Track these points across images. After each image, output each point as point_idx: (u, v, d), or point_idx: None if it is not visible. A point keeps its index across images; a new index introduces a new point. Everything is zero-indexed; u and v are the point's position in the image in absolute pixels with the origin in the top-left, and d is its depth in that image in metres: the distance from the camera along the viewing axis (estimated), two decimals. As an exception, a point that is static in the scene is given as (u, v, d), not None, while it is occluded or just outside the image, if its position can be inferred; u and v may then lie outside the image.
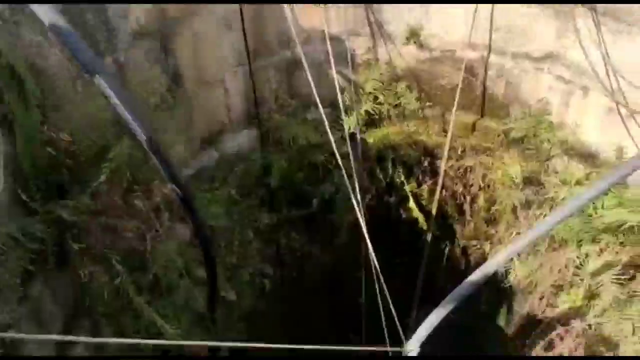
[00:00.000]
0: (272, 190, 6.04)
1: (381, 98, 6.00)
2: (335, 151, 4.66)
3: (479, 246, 6.70)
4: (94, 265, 4.30)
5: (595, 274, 5.32)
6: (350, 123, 5.77)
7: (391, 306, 4.12)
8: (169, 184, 3.88)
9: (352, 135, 5.87)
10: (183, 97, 4.91)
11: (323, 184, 6.14)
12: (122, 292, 4.51)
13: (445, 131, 6.00)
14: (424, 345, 4.07)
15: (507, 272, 6.21)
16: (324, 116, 4.50)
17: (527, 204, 5.81)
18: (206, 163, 5.44)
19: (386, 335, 4.48)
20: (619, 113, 5.00)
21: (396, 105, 6.08)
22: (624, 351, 5.00)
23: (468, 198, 6.28)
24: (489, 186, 6.04)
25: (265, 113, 5.81)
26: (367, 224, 5.07)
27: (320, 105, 4.43)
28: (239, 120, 5.66)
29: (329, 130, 4.58)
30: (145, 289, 4.86)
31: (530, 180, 5.71)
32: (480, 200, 6.16)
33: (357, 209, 4.42)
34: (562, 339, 5.95)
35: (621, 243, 5.19)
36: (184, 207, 4.15)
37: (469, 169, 6.05)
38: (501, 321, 7.44)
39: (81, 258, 4.20)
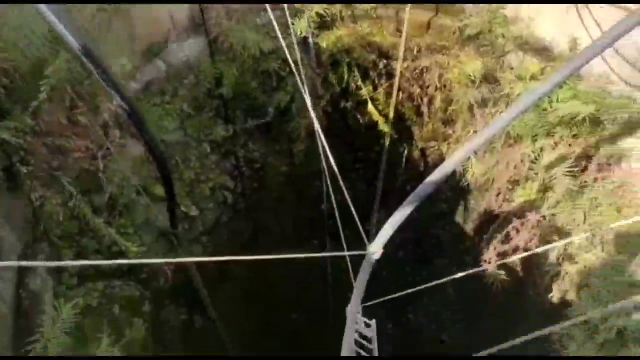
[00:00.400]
0: (226, 101, 5.86)
1: (331, -2, 5.75)
2: (288, 57, 4.48)
3: (436, 147, 6.75)
4: (45, 188, 4.17)
5: (549, 167, 5.45)
6: (301, 27, 5.54)
7: (353, 211, 4.14)
8: (115, 98, 3.69)
9: (305, 40, 5.67)
10: (121, 6, 4.59)
11: (278, 93, 5.98)
12: (78, 214, 4.42)
13: (399, 31, 5.84)
14: (386, 247, 4.14)
15: (464, 171, 6.30)
16: (274, 20, 4.28)
17: (483, 102, 5.81)
18: (154, 75, 5.19)
19: (343, 240, 4.51)
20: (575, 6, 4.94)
21: (347, 5, 5.84)
22: (576, 235, 5.23)
23: (425, 99, 6.23)
24: (445, 86, 5.98)
25: (212, 19, 5.51)
26: (324, 130, 5.00)
27: (269, 9, 4.20)
28: (185, 27, 5.37)
29: (279, 35, 4.38)
30: (102, 210, 4.77)
31: (486, 78, 5.68)
32: (437, 101, 6.13)
33: (312, 115, 4.32)
34: (518, 231, 6.18)
35: (574, 135, 5.28)
36: (132, 122, 3.98)
37: (424, 70, 5.96)
38: (460, 218, 7.67)
39: (30, 181, 4.05)
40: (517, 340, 4.95)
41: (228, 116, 6.03)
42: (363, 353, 5.04)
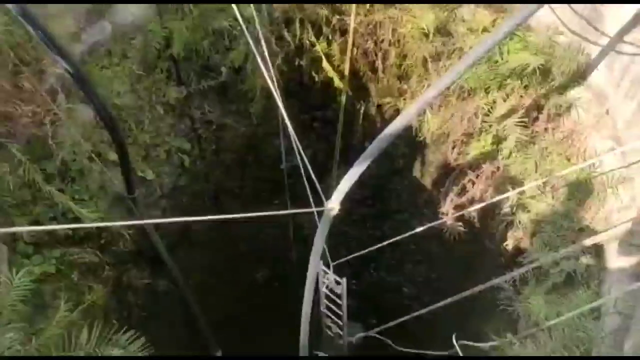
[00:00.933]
0: (177, 61, 5.73)
1: (281, -49, 5.63)
2: (238, 15, 4.39)
3: (393, 103, 6.76)
4: (-8, 155, 4.05)
5: (502, 119, 5.56)
6: (252, -17, 5.41)
7: (309, 168, 4.15)
8: (60, 62, 3.57)
9: (256, -4, 5.54)
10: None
11: (231, 52, 5.87)
12: (29, 182, 4.33)
13: (352, -15, 5.76)
14: (347, 204, 4.19)
15: (420, 126, 6.36)
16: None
17: (437, 56, 5.84)
18: (99, 37, 5.02)
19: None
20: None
21: (299, -41, 5.74)
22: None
23: (379, 54, 6.21)
24: (399, 41, 5.97)
25: (159, -24, 5.34)
26: (280, 89, 4.97)
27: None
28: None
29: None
30: (54, 177, 4.68)
31: (439, 31, 5.69)
32: (392, 56, 6.12)
33: (266, 75, 4.27)
34: (473, 183, 6.34)
35: (525, 87, 5.39)
36: (79, 86, 3.88)
37: (378, 25, 5.92)
38: (418, 173, 7.79)
39: (-25, 149, 3.93)
40: (476, 289, 5.16)
41: (181, 77, 5.91)
42: (333, 307, 5.17)
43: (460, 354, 3.46)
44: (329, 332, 5.89)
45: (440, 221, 6.00)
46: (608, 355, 3.91)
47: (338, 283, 4.71)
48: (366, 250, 5.15)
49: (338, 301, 5.02)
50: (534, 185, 5.26)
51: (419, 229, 5.21)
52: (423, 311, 5.38)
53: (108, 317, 4.98)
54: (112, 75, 5.26)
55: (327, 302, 5.21)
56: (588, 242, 4.65)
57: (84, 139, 4.84)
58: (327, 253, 4.51)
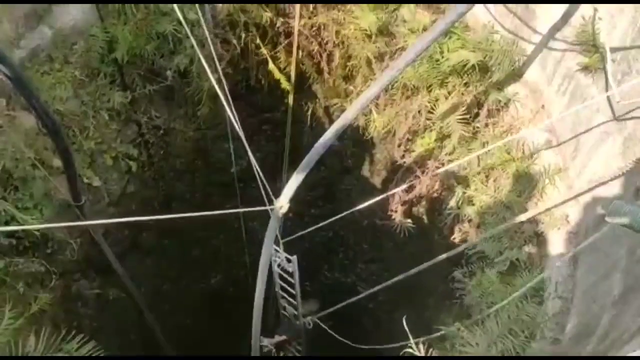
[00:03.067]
0: (121, 66, 5.66)
1: (223, -46, 5.65)
2: (181, 18, 4.39)
3: (340, 104, 6.88)
4: None
5: (444, 116, 5.73)
6: (195, -14, 5.41)
7: (257, 170, 4.20)
8: (-4, 67, 3.49)
9: (200, 0, 5.55)
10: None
11: (176, 56, 5.85)
12: (-32, 191, 4.20)
13: (294, -12, 5.84)
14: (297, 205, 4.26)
15: (367, 125, 6.49)
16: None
17: (381, 56, 5.97)
18: (39, 42, 4.92)
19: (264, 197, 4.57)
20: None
21: (241, -38, 5.78)
22: (471, 178, 5.57)
23: (324, 56, 6.31)
24: (343, 42, 6.08)
25: (98, -19, 5.27)
26: (226, 93, 4.98)
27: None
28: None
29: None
30: (-4, 185, 4.56)
31: (381, 32, 5.82)
32: (336, 57, 6.23)
33: (211, 79, 4.29)
34: (420, 180, 6.49)
35: (465, 84, 5.57)
36: (19, 91, 3.80)
37: (322, 27, 6.02)
38: (367, 172, 7.92)
39: None
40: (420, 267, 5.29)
41: (125, 82, 5.83)
42: (287, 287, 5.24)
43: (411, 338, 3.56)
44: (285, 313, 5.96)
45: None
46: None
47: (289, 261, 4.78)
48: (319, 225, 5.19)
49: (291, 280, 5.09)
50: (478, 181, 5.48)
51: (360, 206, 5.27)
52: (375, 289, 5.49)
53: (57, 328, 4.86)
54: (54, 81, 5.15)
55: (281, 282, 5.29)
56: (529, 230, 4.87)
57: (27, 146, 4.73)
58: (279, 234, 4.57)
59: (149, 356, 6.50)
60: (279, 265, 4.96)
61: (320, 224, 5.10)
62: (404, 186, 6.30)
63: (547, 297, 4.52)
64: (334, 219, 5.08)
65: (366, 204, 4.99)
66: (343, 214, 5.04)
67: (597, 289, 4.04)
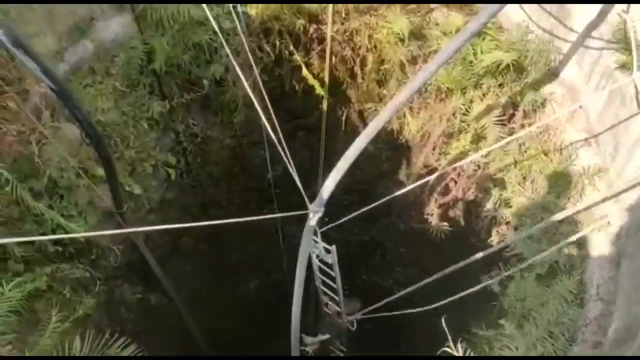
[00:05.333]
0: (160, 76, 5.82)
1: (257, -35, 5.76)
2: (216, 27, 4.51)
3: (374, 108, 6.90)
4: (-22, 175, 4.10)
5: (479, 118, 5.70)
6: (229, -5, 5.53)
7: (294, 174, 4.25)
8: (42, 80, 3.65)
9: (234, 10, 5.66)
10: (39, -18, 4.48)
11: (212, 64, 5.98)
12: (17, 199, 4.38)
13: (327, -5, 5.90)
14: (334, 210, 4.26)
15: (401, 128, 6.49)
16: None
17: (414, 59, 5.98)
18: (82, 55, 5.09)
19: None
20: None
21: (274, -28, 5.88)
22: (508, 180, 5.50)
23: (357, 61, 6.34)
24: (375, 46, 6.10)
25: (137, -5, 5.44)
26: (261, 99, 5.06)
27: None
28: (110, 4, 5.27)
29: (205, 7, 4.39)
30: (42, 194, 4.73)
31: (414, 35, 5.83)
32: (369, 62, 6.25)
33: (246, 87, 4.38)
34: (455, 182, 6.46)
35: (500, 85, 5.53)
36: (63, 103, 3.96)
37: (354, 32, 6.06)
38: (402, 175, 7.89)
39: (-38, 170, 3.99)
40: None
41: (164, 91, 6.00)
42: (327, 280, 5.18)
43: (450, 340, 3.55)
44: (327, 310, 5.90)
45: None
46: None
47: (328, 252, 4.67)
48: (356, 214, 5.14)
49: (331, 272, 5.04)
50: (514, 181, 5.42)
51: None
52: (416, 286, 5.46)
53: (100, 331, 5.01)
54: (96, 93, 5.33)
55: (321, 276, 5.22)
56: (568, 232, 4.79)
57: (71, 156, 4.90)
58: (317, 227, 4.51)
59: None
60: (317, 257, 4.82)
61: (358, 212, 4.98)
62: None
63: (588, 299, 4.44)
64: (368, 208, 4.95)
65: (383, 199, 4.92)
66: (376, 204, 4.91)
67: (639, 291, 3.95)
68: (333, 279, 5.13)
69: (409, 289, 5.64)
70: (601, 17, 4.39)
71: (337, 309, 5.71)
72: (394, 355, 9.00)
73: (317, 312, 6.15)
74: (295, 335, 5.00)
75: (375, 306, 5.88)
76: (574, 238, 4.65)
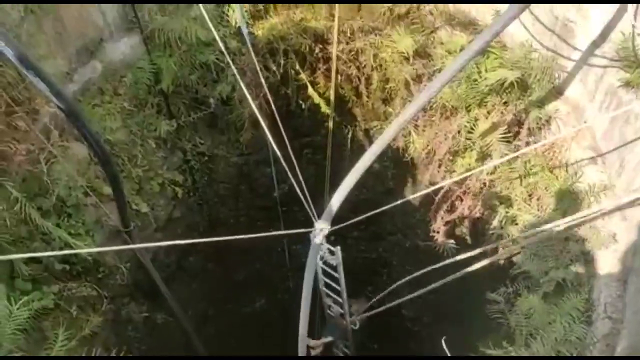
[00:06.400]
0: (167, 96, 5.90)
1: (262, -13, 5.87)
2: (223, 48, 4.58)
3: (379, 126, 6.93)
4: (-11, 195, 4.15)
5: (484, 135, 5.71)
6: (235, 17, 5.62)
7: (299, 193, 4.28)
8: (52, 100, 3.71)
9: (240, 30, 5.75)
10: (49, 7, 4.56)
11: (218, 84, 6.05)
12: (26, 218, 4.42)
13: (332, 15, 5.97)
14: (334, 222, 4.25)
15: (407, 146, 6.52)
16: (205, 13, 4.37)
17: (419, 78, 6.03)
18: (91, 76, 5.18)
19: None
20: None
21: (279, -6, 5.98)
22: (514, 198, 5.51)
23: (363, 79, 6.41)
24: (380, 65, 6.17)
25: (146, 15, 5.52)
26: (267, 118, 5.12)
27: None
28: (118, 25, 5.37)
29: (212, 28, 4.46)
30: (51, 212, 4.78)
31: (418, 54, 5.89)
32: (375, 80, 6.31)
33: (252, 105, 4.43)
34: (461, 200, 6.45)
35: (505, 103, 5.55)
36: (72, 123, 4.02)
37: (360, 51, 6.13)
38: (408, 193, 7.90)
39: (-29, 188, 4.04)
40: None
41: (171, 111, 6.08)
42: (331, 283, 5.13)
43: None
44: (331, 313, 5.87)
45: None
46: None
47: (332, 253, 4.59)
48: (363, 217, 5.07)
49: (335, 274, 4.98)
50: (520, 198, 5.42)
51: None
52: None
53: (107, 350, 5.02)
54: (104, 113, 5.40)
55: (325, 278, 5.18)
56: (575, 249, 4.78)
57: (79, 175, 4.96)
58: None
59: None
60: (321, 259, 4.70)
61: (353, 220, 4.91)
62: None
63: (595, 318, 4.41)
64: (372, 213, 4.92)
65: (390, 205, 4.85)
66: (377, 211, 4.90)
67: (648, 309, 3.93)
68: (337, 281, 5.07)
69: (411, 295, 5.55)
70: (604, 35, 4.43)
71: (341, 310, 5.66)
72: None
73: (323, 317, 6.11)
74: (303, 335, 4.88)
75: (379, 309, 5.81)
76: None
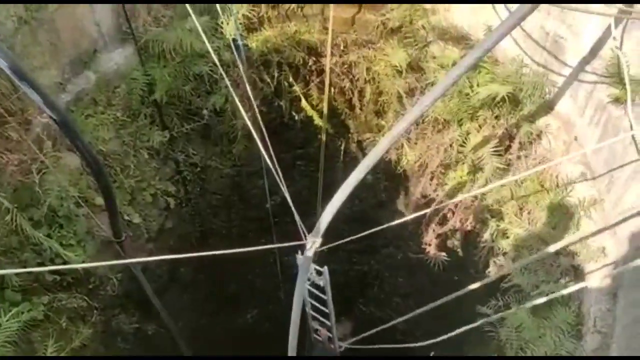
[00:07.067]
0: (160, 106, 5.90)
1: (257, -1, 5.91)
2: (216, 60, 4.60)
3: (372, 138, 6.97)
4: (-22, 204, 4.14)
5: (476, 149, 5.75)
6: (229, 29, 5.64)
7: (291, 205, 4.28)
8: (45, 111, 3.72)
9: (234, 42, 5.78)
10: (44, 18, 4.57)
11: (212, 95, 6.07)
12: (17, 229, 4.40)
13: (326, 28, 6.02)
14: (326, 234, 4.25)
15: (399, 159, 6.55)
16: (198, 25, 4.40)
17: (411, 91, 6.07)
18: (84, 86, 5.18)
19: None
20: (486, -7, 5.24)
21: (274, 6, 6.00)
22: (505, 211, 5.54)
23: (356, 92, 6.45)
24: (373, 78, 6.21)
25: (140, 27, 5.54)
26: (260, 130, 5.13)
27: (192, 14, 4.31)
28: (112, 36, 5.38)
29: (205, 40, 4.49)
30: (42, 223, 4.76)
31: (411, 68, 5.94)
32: (368, 93, 6.35)
33: (245, 118, 4.44)
34: (453, 213, 6.48)
35: (496, 117, 5.60)
36: (65, 134, 4.02)
37: (353, 64, 6.17)
38: (400, 205, 7.92)
39: (-37, 199, 4.02)
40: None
41: (164, 121, 6.08)
42: (318, 305, 5.08)
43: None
44: (317, 337, 5.82)
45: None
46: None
47: (319, 273, 4.47)
48: (356, 236, 5.05)
49: (322, 296, 4.88)
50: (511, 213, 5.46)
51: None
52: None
53: (98, 361, 5.00)
54: (97, 123, 5.40)
55: (312, 301, 5.10)
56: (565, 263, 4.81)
57: (71, 185, 4.95)
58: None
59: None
60: (309, 280, 4.55)
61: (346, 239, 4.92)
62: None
63: (585, 332, 4.43)
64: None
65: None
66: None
67: (637, 324, 3.95)
68: (325, 303, 5.00)
69: (401, 319, 5.58)
70: (593, 52, 4.49)
71: (329, 334, 5.62)
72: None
73: (309, 339, 6.09)
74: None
75: (367, 333, 5.80)
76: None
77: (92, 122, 5.38)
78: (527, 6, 3.06)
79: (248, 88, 4.52)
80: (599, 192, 4.78)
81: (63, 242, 4.84)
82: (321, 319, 5.39)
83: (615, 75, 4.25)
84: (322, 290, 4.77)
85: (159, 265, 6.97)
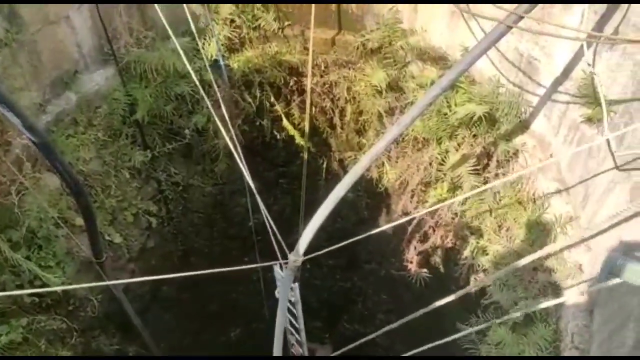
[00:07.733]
0: (142, 126, 5.92)
1: (238, 21, 5.96)
2: (196, 81, 4.64)
3: (353, 156, 7.04)
4: (-44, 227, 4.11)
5: (455, 167, 5.83)
6: (211, 50, 5.70)
7: (272, 224, 4.31)
8: (24, 134, 3.73)
9: (216, 63, 5.83)
10: (25, 39, 4.59)
11: (194, 115, 6.11)
12: (-6, 251, 4.38)
13: (307, 49, 6.10)
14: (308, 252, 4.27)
15: (380, 177, 6.62)
16: (178, 46, 4.45)
17: (391, 110, 6.16)
18: (65, 107, 5.19)
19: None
20: (462, 16, 5.34)
21: (255, 27, 6.08)
22: (484, 229, 5.61)
23: (337, 112, 6.53)
24: (354, 98, 6.30)
25: (122, 48, 5.57)
26: (243, 149, 5.16)
27: (172, 35, 4.35)
28: (93, 57, 5.40)
29: (186, 62, 4.52)
30: (20, 244, 4.74)
31: (391, 88, 6.03)
32: (348, 113, 6.43)
33: (226, 137, 4.46)
34: (434, 230, 6.55)
35: (474, 136, 5.69)
36: (44, 155, 4.03)
37: (334, 84, 6.25)
38: (382, 222, 7.98)
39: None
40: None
41: (146, 141, 6.09)
42: (292, 320, 5.09)
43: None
44: (293, 352, 5.85)
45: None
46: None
47: (290, 289, 4.52)
48: (334, 247, 5.06)
49: (294, 310, 4.89)
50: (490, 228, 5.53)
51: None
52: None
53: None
54: (78, 143, 5.39)
55: (289, 317, 5.10)
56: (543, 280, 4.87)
57: (51, 206, 4.93)
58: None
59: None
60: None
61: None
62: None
63: (563, 348, 4.49)
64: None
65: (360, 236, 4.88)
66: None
67: (612, 340, 4.01)
68: (296, 318, 5.03)
69: (379, 332, 5.59)
70: (565, 73, 4.60)
71: (300, 351, 5.64)
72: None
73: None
74: None
75: (346, 348, 5.81)
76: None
77: (73, 142, 5.37)
78: (500, 27, 3.15)
79: (224, 109, 4.52)
80: (574, 209, 4.88)
81: (42, 263, 4.81)
82: (296, 335, 5.41)
83: (588, 96, 4.35)
84: (294, 305, 4.82)
85: (140, 285, 6.93)
